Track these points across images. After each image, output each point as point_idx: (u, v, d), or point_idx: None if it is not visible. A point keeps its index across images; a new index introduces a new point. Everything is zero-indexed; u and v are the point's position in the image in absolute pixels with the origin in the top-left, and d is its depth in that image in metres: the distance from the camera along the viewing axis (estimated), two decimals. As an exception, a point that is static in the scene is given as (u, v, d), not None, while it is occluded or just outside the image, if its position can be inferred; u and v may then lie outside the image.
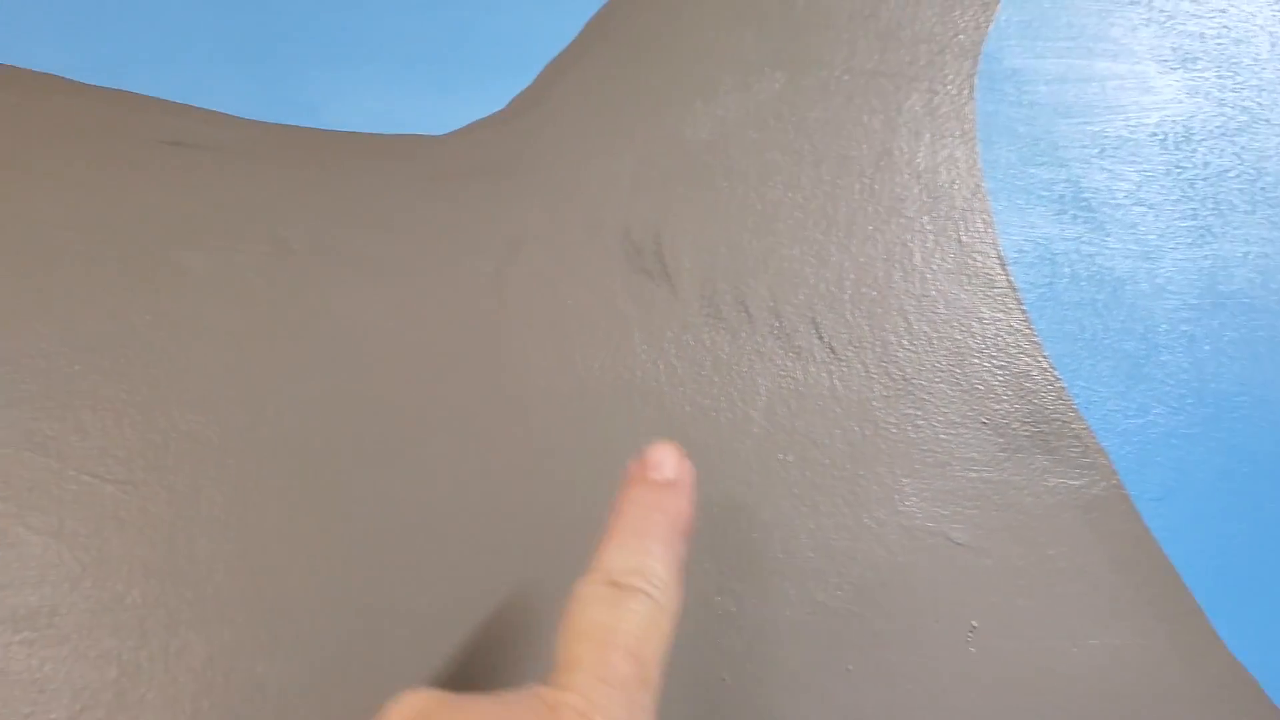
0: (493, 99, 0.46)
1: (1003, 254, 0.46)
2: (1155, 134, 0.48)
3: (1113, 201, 0.47)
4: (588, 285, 0.44)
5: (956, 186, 0.46)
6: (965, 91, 0.47)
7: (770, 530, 0.42)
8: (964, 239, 0.46)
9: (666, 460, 0.32)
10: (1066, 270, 0.46)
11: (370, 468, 0.41)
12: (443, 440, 0.42)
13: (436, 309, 0.43)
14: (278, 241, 0.43)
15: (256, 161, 0.44)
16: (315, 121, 0.45)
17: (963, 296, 0.45)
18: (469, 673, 0.40)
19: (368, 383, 0.42)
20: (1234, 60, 0.49)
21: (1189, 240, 0.47)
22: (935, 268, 0.45)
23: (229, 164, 0.44)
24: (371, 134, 0.45)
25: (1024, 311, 0.45)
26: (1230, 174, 0.48)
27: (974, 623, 0.42)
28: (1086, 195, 0.47)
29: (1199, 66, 0.49)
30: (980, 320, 0.45)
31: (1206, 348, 0.46)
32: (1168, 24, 0.50)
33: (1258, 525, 0.44)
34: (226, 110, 0.45)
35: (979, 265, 0.46)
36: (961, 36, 0.48)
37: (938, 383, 0.44)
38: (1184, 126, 0.48)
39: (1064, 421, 0.44)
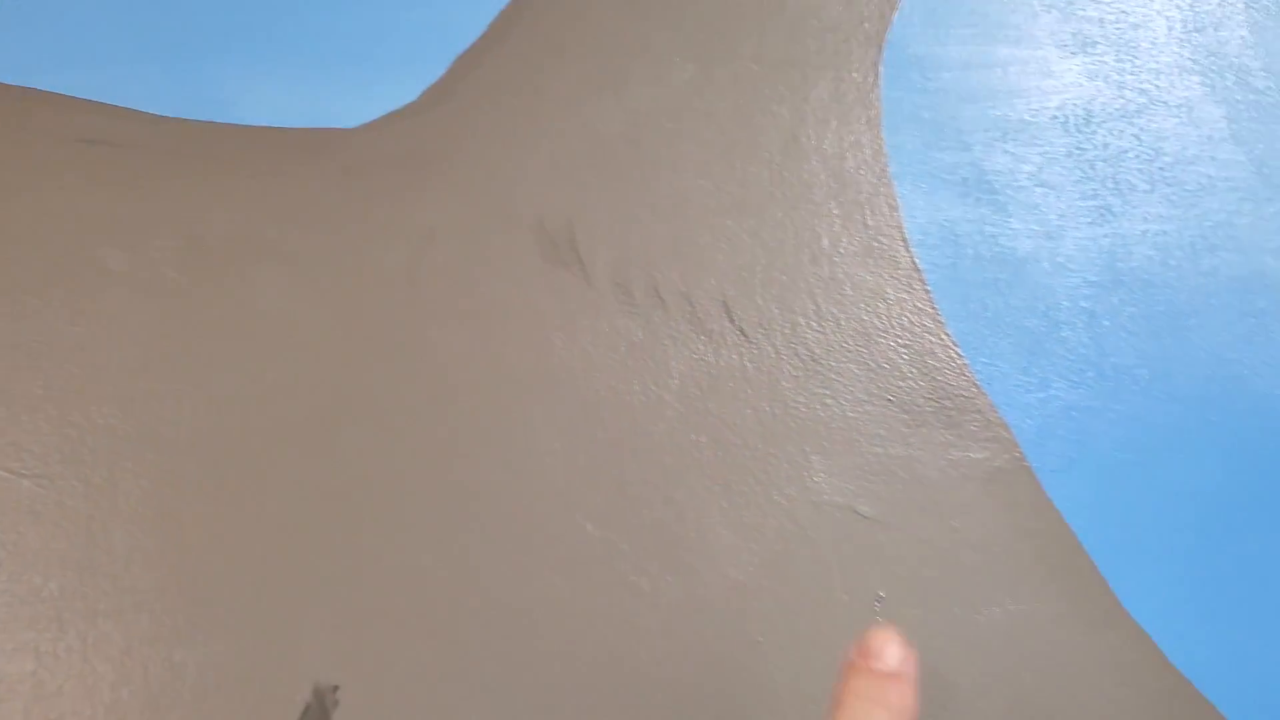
0: (404, 91, 0.47)
1: (907, 236, 0.48)
2: (1056, 117, 0.50)
3: (1015, 183, 0.49)
4: (501, 274, 0.45)
5: (863, 172, 0.48)
6: (871, 79, 0.49)
7: (683, 509, 0.44)
8: (870, 223, 0.48)
9: (888, 649, 0.30)
10: (970, 251, 0.48)
11: (287, 457, 0.42)
12: (359, 428, 0.43)
13: (351, 299, 0.44)
14: (193, 236, 0.44)
15: (171, 158, 0.45)
16: (229, 117, 0.46)
17: (869, 278, 0.47)
18: (390, 659, 0.41)
19: (284, 373, 0.43)
20: (1132, 44, 0.52)
21: (1089, 219, 0.49)
22: (842, 251, 0.47)
23: (144, 161, 0.45)
24: (284, 128, 0.46)
25: (928, 291, 0.47)
26: (1129, 154, 0.50)
27: (881, 593, 0.44)
28: (989, 178, 0.49)
29: (1098, 51, 0.51)
30: (886, 301, 0.47)
31: (1106, 323, 0.48)
32: (1067, 10, 0.52)
33: (1157, 494, 0.46)
34: (141, 108, 0.46)
35: (884, 248, 0.48)
36: (867, 25, 0.50)
37: (845, 362, 0.46)
38: (1084, 109, 0.51)
39: (967, 397, 0.46)
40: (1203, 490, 0.47)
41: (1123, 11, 0.52)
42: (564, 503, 0.43)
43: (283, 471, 0.42)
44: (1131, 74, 0.51)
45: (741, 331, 0.46)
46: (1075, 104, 0.51)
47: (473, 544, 0.42)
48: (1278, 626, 0.45)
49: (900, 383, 0.46)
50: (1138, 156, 0.50)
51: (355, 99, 0.47)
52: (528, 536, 0.43)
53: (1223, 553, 0.46)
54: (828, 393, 0.46)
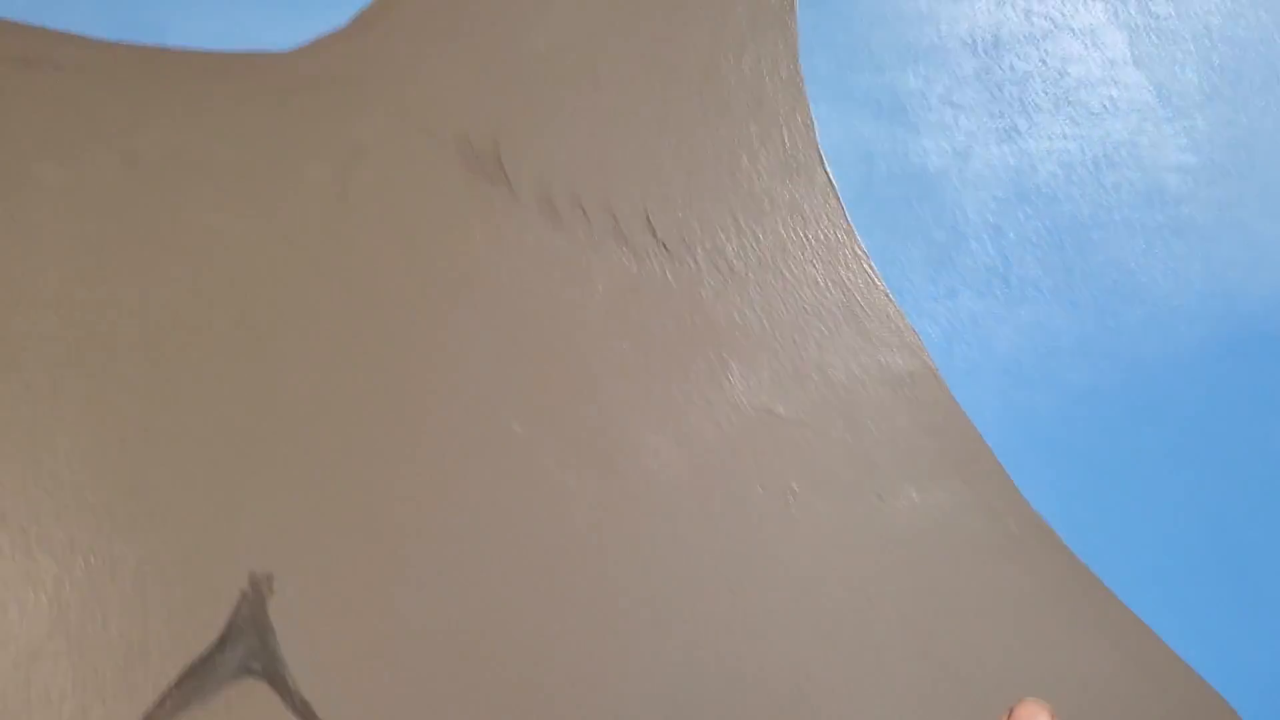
0: (335, 16, 0.50)
1: (823, 154, 0.51)
2: (966, 41, 0.54)
3: (925, 104, 0.52)
4: (429, 190, 0.48)
5: (780, 93, 0.51)
6: (787, 4, 0.52)
7: (608, 409, 0.47)
8: (786, 141, 0.51)
9: None
10: (882, 168, 0.52)
11: (220, 362, 0.45)
12: (290, 336, 0.46)
13: (282, 214, 0.47)
14: (128, 153, 0.47)
15: (106, 79, 0.48)
16: (162, 40, 0.49)
17: (785, 194, 0.50)
18: (324, 550, 0.44)
19: (218, 284, 0.46)
20: (1039, -27, 0.55)
21: (997, 138, 0.53)
22: (760, 169, 0.50)
23: (81, 82, 0.48)
24: (218, 51, 0.49)
25: (842, 206, 0.50)
26: (1035, 77, 0.54)
27: (794, 486, 0.47)
28: (901, 99, 0.52)
29: (1007, -21, 0.55)
30: (801, 215, 0.50)
31: (1012, 236, 0.51)
32: (977, -60, 0.55)
33: (1057, 395, 0.50)
34: (76, 30, 0.48)
35: (800, 165, 0.51)
36: (784, -47, 0.53)
37: (762, 273, 0.49)
38: (993, 34, 0.54)
39: (878, 306, 0.49)
40: (1101, 391, 0.50)
41: (1030, -59, 0.55)
42: (491, 405, 0.46)
43: (217, 375, 0.45)
44: (1039, 1, 0.55)
45: (663, 244, 0.49)
46: (984, 29, 0.54)
47: (403, 442, 0.45)
48: (1171, 513, 0.49)
49: (815, 292, 0.49)
50: (1043, 79, 0.54)
51: (287, 24, 0.50)
52: (457, 436, 0.46)
53: (1119, 448, 0.50)
54: (745, 302, 0.49)
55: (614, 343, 0.48)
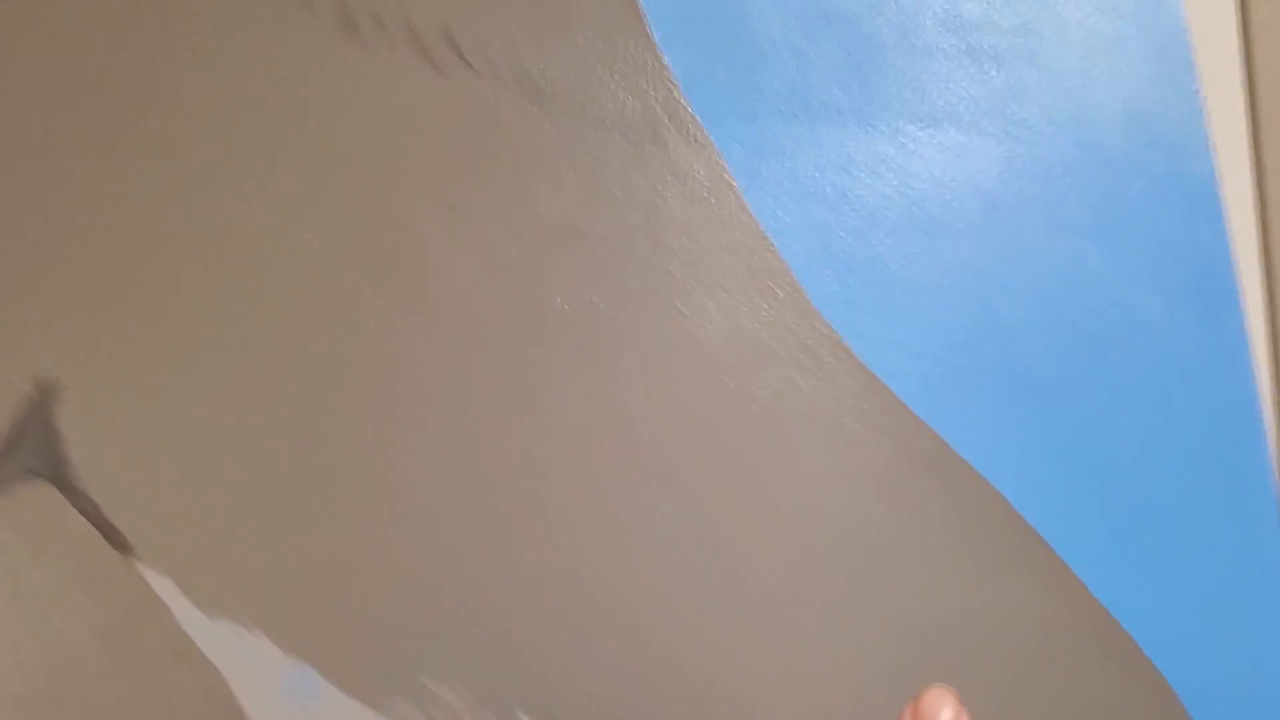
0: None
1: (628, -29, 0.52)
2: None
3: (733, -75, 0.53)
4: (223, 9, 0.47)
5: (585, -92, 0.51)
6: None
7: (407, 222, 0.48)
8: (592, -42, 0.51)
9: (942, 711, 0.32)
10: (688, -12, 0.53)
11: (15, 180, 0.44)
12: (83, 149, 0.45)
13: (74, 34, 0.46)
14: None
15: None
16: None
17: (590, 11, 0.51)
18: (110, 353, 0.44)
19: (16, 105, 0.45)
20: None
21: (802, -38, 0.54)
22: (565, -15, 0.51)
23: None
24: None
25: (646, 23, 0.51)
26: (842, -99, 0.55)
27: (595, 300, 0.49)
28: (708, -82, 0.53)
29: None
30: (606, 33, 0.51)
31: (813, 58, 0.53)
32: None
33: (850, 214, 0.53)
34: None
35: (605, -18, 0.51)
36: None
37: (567, 89, 0.50)
38: None
39: (682, 125, 0.51)
40: (895, 211, 0.53)
41: None
42: (285, 215, 0.47)
43: (9, 184, 0.44)
44: None
45: (465, 60, 0.49)
46: None
47: (192, 250, 0.45)
48: (957, 325, 0.53)
49: (619, 110, 0.51)
50: (850, -97, 0.55)
51: None
52: (248, 244, 0.46)
53: (911, 265, 0.53)
54: (549, 119, 0.50)
55: (415, 157, 0.49)
